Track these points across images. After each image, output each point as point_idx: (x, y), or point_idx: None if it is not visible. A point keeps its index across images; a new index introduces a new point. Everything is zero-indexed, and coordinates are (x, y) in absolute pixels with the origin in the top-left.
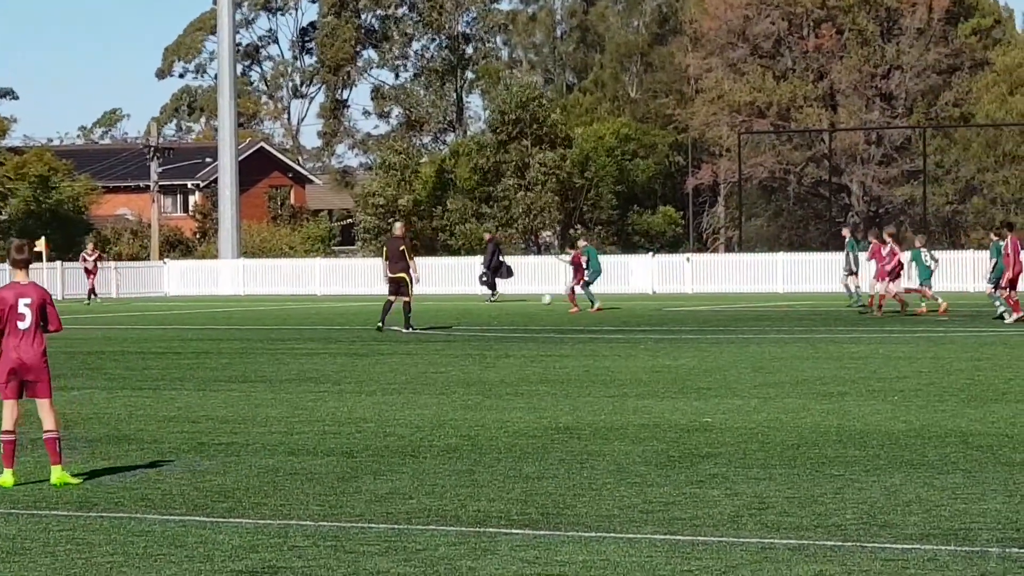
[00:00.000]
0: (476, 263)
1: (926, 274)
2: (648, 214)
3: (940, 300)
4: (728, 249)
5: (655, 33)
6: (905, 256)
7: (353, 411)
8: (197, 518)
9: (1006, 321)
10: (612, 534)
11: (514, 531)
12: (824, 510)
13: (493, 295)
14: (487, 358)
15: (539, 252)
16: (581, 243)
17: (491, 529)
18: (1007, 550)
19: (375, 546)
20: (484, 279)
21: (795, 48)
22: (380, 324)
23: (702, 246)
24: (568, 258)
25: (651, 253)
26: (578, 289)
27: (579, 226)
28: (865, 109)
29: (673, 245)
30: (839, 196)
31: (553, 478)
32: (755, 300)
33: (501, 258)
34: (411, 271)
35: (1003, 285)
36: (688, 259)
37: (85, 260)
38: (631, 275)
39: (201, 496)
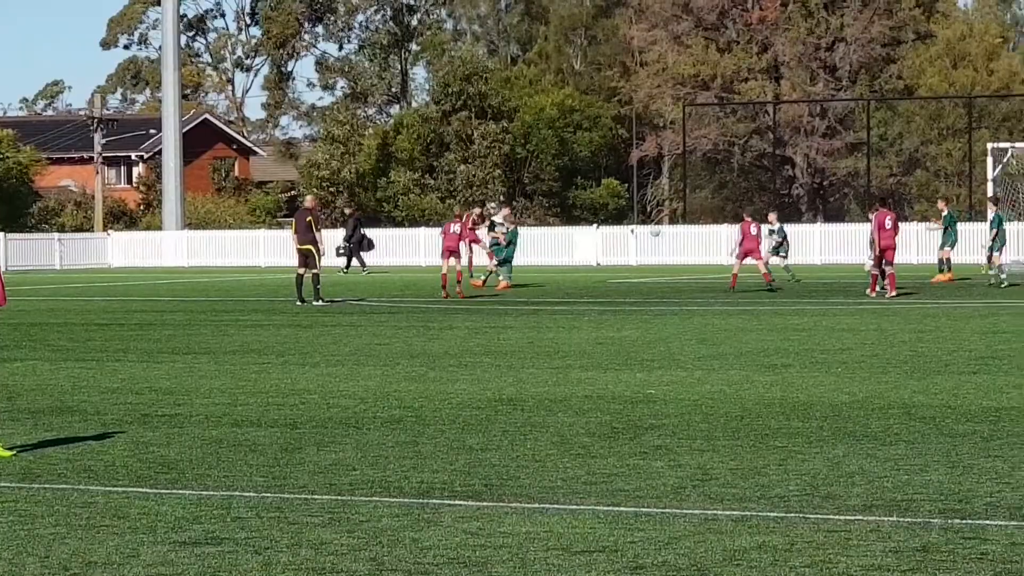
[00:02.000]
0: (420, 234)
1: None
2: (592, 186)
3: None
4: (672, 221)
5: (599, 5)
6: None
7: (297, 383)
8: (140, 489)
9: (868, 294)
10: (555, 505)
11: (457, 502)
12: (767, 481)
13: (362, 268)
14: (431, 330)
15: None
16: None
17: (434, 500)
18: (949, 521)
19: (318, 517)
20: (341, 251)
21: (739, 20)
22: (299, 299)
23: (646, 218)
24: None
25: (595, 225)
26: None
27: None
28: (809, 81)
29: (617, 217)
30: (783, 168)
31: (496, 450)
32: (700, 272)
33: (363, 231)
34: (318, 244)
35: (872, 261)
36: (632, 231)
37: None
38: (575, 247)
39: (144, 467)
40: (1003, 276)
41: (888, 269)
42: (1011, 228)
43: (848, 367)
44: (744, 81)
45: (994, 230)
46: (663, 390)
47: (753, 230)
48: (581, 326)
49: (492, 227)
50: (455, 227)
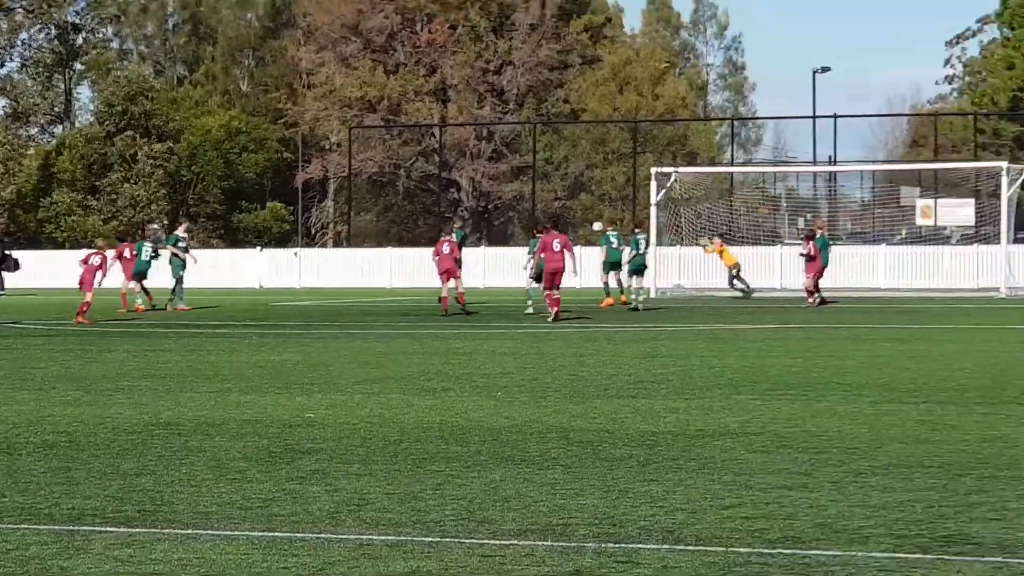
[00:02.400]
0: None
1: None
2: (256, 209)
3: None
4: (337, 244)
5: (267, 27)
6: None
7: None
8: None
9: (544, 317)
10: (209, 531)
11: (109, 529)
12: (423, 506)
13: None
14: (89, 353)
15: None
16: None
17: (85, 527)
18: (603, 545)
19: None
20: None
21: (408, 43)
22: None
23: (311, 241)
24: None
25: (259, 248)
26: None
27: (186, 220)
28: (476, 104)
29: (281, 240)
30: (448, 191)
31: (152, 474)
32: (363, 295)
33: (7, 252)
34: None
35: (534, 282)
36: (296, 254)
37: None
38: (239, 270)
39: None
40: (613, 287)
41: (554, 293)
42: (673, 252)
43: (508, 391)
44: (411, 103)
45: (633, 252)
46: (322, 414)
47: (447, 248)
48: (242, 349)
49: (175, 243)
50: (95, 259)
